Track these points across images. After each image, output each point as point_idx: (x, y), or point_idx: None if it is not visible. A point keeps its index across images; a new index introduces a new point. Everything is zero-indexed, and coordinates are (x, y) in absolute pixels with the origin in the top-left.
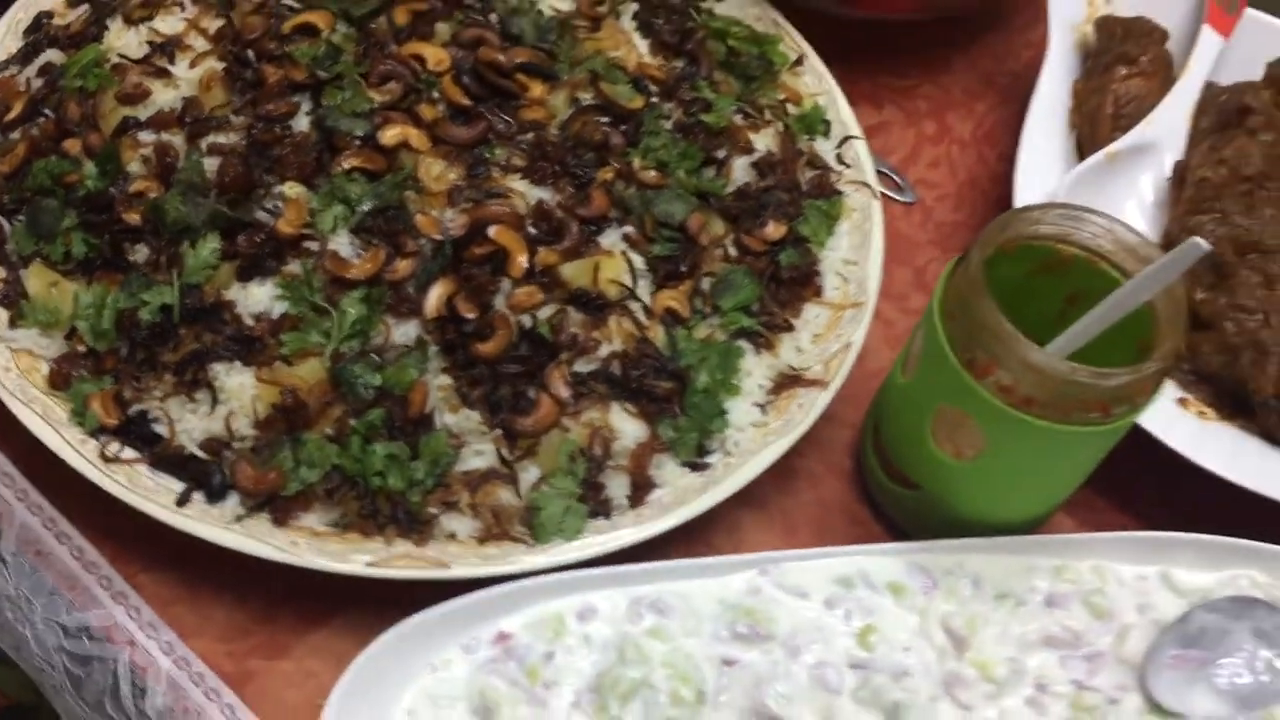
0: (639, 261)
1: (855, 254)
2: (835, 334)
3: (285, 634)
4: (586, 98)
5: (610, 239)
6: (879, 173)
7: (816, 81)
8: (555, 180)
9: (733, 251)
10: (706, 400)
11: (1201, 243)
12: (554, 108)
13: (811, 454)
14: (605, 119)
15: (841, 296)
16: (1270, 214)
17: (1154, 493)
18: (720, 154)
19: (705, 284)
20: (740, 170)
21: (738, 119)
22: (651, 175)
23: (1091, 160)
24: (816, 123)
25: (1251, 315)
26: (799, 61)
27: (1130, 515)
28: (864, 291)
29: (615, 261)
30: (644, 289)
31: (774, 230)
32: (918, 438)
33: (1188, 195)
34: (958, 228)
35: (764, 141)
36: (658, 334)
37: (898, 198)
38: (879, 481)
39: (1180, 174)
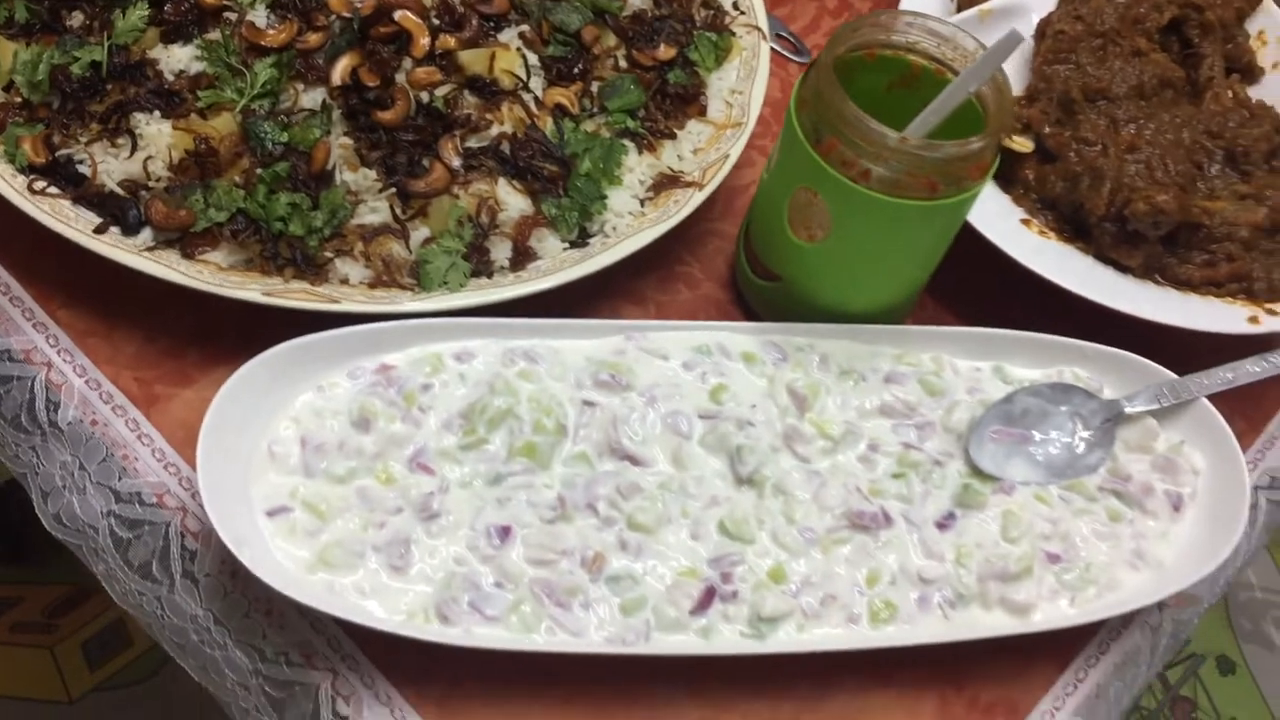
0: (533, 59)
1: (741, 85)
2: (715, 148)
3: (190, 368)
4: None
5: (508, 35)
6: (780, 35)
7: None
8: None
9: (623, 64)
10: (588, 184)
11: (1019, 32)
12: None
13: (693, 261)
14: None
15: (725, 119)
16: (1119, 66)
17: (995, 307)
18: None
19: (595, 88)
20: None
21: None
22: None
23: (965, 14)
24: None
25: (1092, 147)
26: None
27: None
28: (746, 114)
29: (510, 54)
30: (537, 85)
31: (665, 51)
32: (778, 226)
33: (1046, 46)
34: None
35: None
36: (547, 123)
37: (794, 57)
38: (748, 279)
39: (1043, 29)
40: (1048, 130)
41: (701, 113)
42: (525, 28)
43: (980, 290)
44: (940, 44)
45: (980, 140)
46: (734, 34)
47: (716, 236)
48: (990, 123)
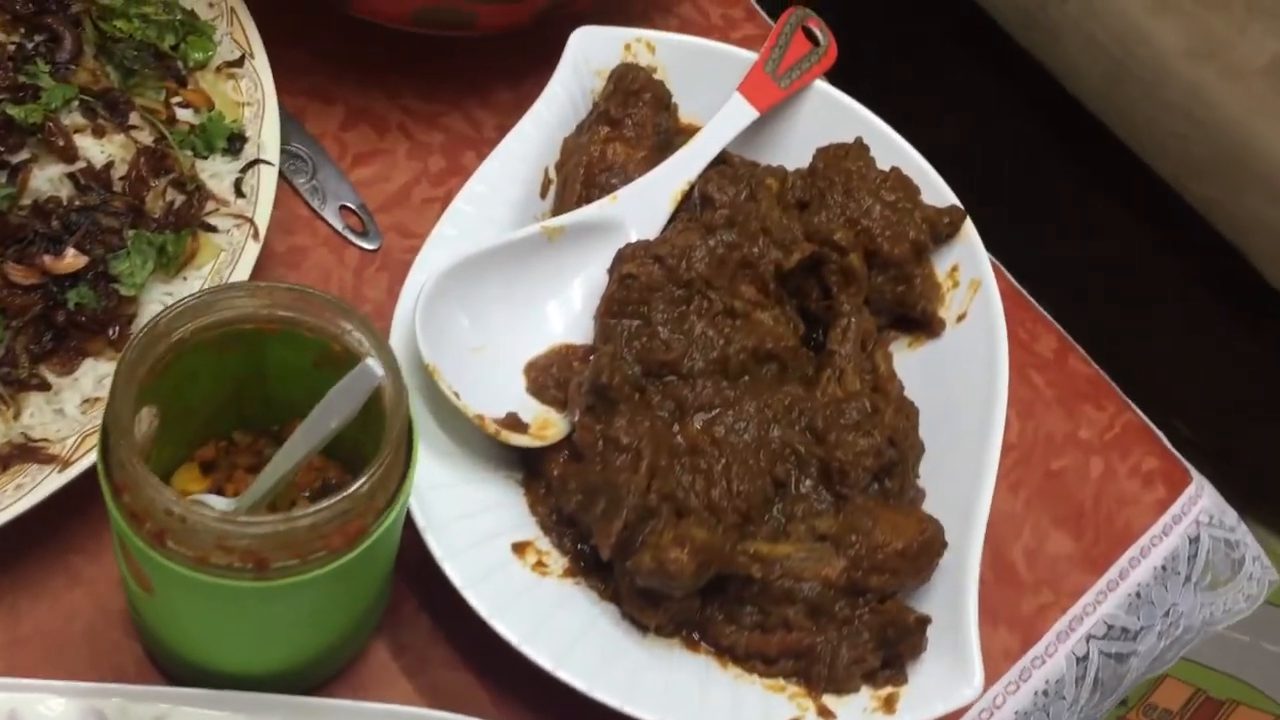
0: None
1: None
2: None
3: None
4: None
5: None
6: (344, 207)
7: (254, 88)
8: None
9: None
10: None
11: (374, 367)
12: None
13: (92, 550)
14: None
15: None
16: (701, 330)
17: (484, 658)
18: (20, 157)
19: None
20: (48, 181)
21: (77, 118)
22: None
23: (522, 232)
24: (218, 138)
25: (623, 453)
26: (239, 61)
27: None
28: None
29: None
30: None
31: (66, 262)
32: (118, 559)
33: (609, 292)
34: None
35: (108, 149)
36: None
37: (358, 241)
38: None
39: (615, 263)
40: (578, 417)
41: (115, 345)
42: None
43: (469, 637)
44: (347, 331)
45: (317, 512)
46: (212, 229)
47: None
48: (374, 469)
